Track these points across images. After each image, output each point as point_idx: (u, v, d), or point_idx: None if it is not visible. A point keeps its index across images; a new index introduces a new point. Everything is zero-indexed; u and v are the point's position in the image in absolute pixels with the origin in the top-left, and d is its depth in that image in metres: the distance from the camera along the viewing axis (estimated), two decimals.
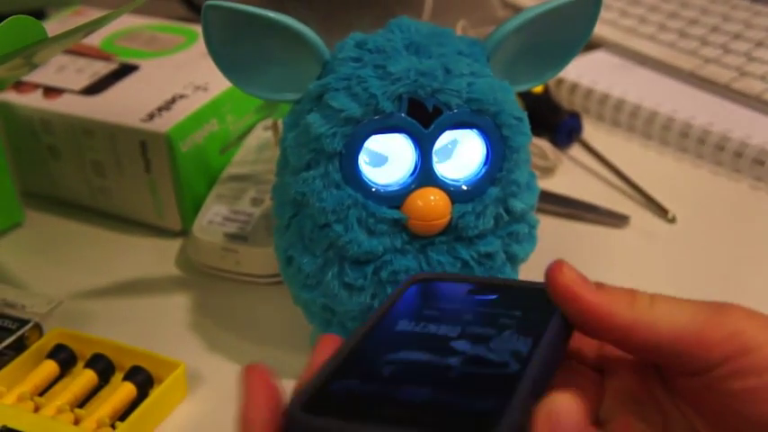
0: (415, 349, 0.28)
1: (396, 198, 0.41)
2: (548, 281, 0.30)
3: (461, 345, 0.28)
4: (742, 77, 0.69)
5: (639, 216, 0.59)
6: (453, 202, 0.42)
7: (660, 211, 0.59)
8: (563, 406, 0.25)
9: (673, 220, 0.59)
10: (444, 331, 0.29)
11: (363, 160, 0.41)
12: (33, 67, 0.49)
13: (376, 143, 0.41)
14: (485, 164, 0.42)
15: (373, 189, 0.41)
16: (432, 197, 0.41)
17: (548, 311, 0.30)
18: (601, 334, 0.30)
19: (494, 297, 0.32)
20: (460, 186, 0.42)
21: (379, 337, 0.29)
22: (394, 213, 0.41)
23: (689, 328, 0.28)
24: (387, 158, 0.42)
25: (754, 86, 0.68)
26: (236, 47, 0.42)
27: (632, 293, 0.30)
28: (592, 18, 0.44)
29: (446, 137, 0.41)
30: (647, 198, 0.61)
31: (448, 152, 0.42)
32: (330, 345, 0.30)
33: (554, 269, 0.30)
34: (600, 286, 0.30)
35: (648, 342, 0.29)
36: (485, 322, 0.29)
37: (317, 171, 0.41)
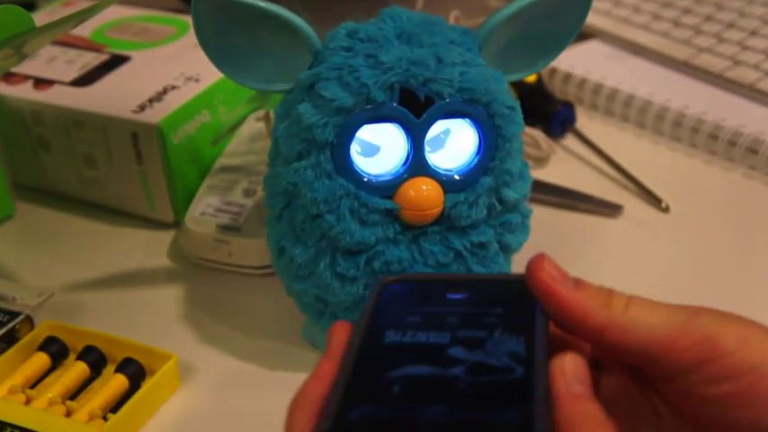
0: (414, 363, 0.27)
1: (388, 188, 0.41)
2: (527, 274, 0.29)
3: (458, 352, 0.28)
4: (736, 66, 0.69)
5: (633, 205, 0.59)
6: (446, 191, 0.41)
7: (654, 200, 0.59)
8: (570, 362, 0.27)
9: (666, 210, 0.59)
10: (435, 339, 0.28)
11: (355, 150, 0.41)
12: (23, 57, 0.49)
13: (368, 133, 0.41)
14: (477, 153, 0.42)
15: (365, 179, 0.41)
16: (424, 187, 0.41)
17: (526, 304, 0.29)
18: (575, 332, 0.29)
19: (469, 295, 0.31)
20: (453, 176, 0.42)
21: (374, 354, 0.28)
22: (386, 203, 0.41)
23: (660, 333, 0.28)
24: (379, 148, 0.42)
25: (748, 75, 0.67)
26: (227, 37, 0.42)
27: (609, 294, 0.29)
28: (584, 7, 0.44)
29: (438, 126, 0.41)
30: (641, 187, 0.60)
31: (440, 142, 0.42)
32: (343, 333, 0.30)
33: (535, 263, 0.29)
34: (579, 284, 0.29)
35: (621, 344, 0.29)
36: (471, 324, 0.29)
37: (309, 161, 0.41)
